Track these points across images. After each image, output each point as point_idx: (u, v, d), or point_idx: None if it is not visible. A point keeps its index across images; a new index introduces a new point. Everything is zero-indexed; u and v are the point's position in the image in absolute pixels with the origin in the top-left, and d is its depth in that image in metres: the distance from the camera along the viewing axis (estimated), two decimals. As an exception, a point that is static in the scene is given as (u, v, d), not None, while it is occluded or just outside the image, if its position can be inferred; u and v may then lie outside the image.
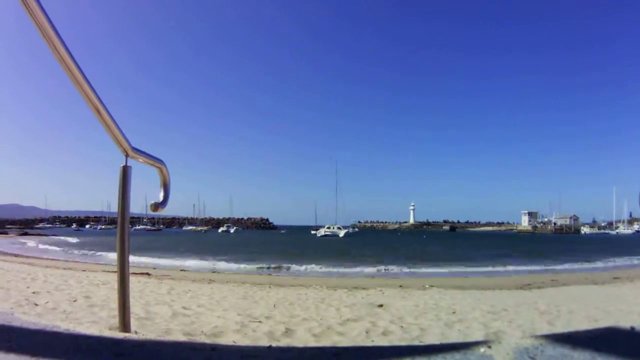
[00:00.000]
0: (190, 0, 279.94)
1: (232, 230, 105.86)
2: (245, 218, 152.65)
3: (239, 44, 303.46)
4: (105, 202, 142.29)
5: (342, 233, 77.28)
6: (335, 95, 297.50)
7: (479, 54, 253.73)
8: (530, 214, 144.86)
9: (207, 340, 3.43)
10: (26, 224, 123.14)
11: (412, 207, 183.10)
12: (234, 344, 3.36)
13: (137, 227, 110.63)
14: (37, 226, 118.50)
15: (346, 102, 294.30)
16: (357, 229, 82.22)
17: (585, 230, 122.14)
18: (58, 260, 22.07)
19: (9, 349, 1.95)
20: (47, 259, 22.41)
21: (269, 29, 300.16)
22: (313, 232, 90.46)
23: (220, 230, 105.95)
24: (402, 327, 5.39)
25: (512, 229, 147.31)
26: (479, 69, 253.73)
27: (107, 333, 2.56)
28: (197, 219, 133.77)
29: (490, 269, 23.11)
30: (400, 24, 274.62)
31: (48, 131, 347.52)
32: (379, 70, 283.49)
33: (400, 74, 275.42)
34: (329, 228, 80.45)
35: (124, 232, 2.65)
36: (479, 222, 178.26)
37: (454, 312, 6.87)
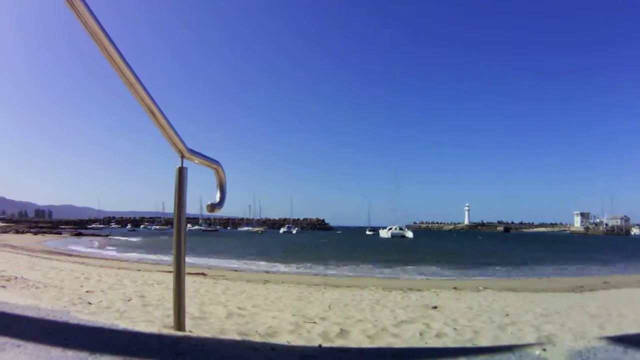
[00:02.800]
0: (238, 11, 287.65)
1: (294, 231, 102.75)
2: (302, 219, 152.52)
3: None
4: (160, 203, 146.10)
5: (410, 234, 75.53)
6: (387, 103, 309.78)
7: (530, 54, 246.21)
8: (582, 214, 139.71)
9: (262, 340, 3.43)
10: (80, 224, 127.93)
11: (467, 208, 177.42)
12: (289, 343, 3.36)
13: (193, 228, 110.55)
14: (91, 226, 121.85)
15: (400, 110, 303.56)
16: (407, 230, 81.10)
17: (635, 231, 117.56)
18: (112, 259, 22.82)
19: (66, 347, 2.00)
20: (101, 258, 23.21)
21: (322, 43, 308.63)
22: (368, 232, 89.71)
23: (281, 231, 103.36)
24: (455, 329, 5.29)
25: (564, 230, 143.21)
26: (526, 70, 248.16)
27: (165, 332, 2.59)
28: (253, 219, 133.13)
29: (543, 270, 22.72)
30: (462, 31, 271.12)
31: (102, 134, 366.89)
32: (431, 79, 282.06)
33: (448, 80, 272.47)
34: (393, 229, 77.32)
35: (180, 232, 2.70)
36: (532, 223, 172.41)
37: (507, 315, 6.79)
